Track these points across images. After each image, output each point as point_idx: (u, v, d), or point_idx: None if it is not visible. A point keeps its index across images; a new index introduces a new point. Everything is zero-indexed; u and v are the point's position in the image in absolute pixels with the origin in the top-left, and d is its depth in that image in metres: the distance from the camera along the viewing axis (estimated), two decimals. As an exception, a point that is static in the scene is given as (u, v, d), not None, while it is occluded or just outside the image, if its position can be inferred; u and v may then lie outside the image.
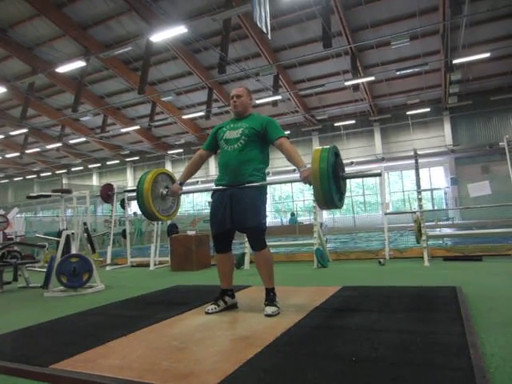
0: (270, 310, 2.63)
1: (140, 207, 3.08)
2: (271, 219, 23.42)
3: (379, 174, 2.93)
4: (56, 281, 4.29)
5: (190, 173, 3.13)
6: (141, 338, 2.27)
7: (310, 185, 2.52)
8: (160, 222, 7.34)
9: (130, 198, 7.51)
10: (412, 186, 20.21)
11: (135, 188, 3.15)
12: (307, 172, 2.54)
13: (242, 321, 2.62)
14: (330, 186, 2.41)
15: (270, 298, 2.73)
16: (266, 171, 2.96)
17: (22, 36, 16.56)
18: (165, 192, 3.13)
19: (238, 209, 2.72)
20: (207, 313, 2.76)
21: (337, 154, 2.61)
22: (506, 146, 5.64)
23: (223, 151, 2.90)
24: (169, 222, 7.72)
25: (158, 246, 7.19)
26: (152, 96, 19.63)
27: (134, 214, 14.04)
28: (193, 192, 12.73)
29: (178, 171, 27.72)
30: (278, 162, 24.19)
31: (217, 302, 2.84)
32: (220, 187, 2.86)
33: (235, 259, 5.94)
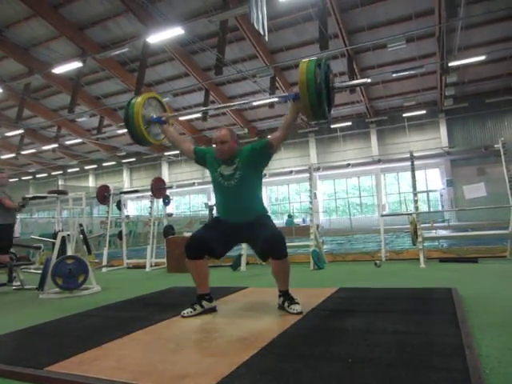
0: (298, 307, 2.67)
1: (130, 131, 3.04)
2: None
3: (367, 83, 2.97)
4: (51, 282, 4.27)
5: (174, 133, 3.21)
6: (136, 340, 2.26)
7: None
8: (156, 224, 7.33)
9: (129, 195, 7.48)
10: (408, 187, 20.26)
11: (125, 117, 3.03)
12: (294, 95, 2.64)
13: (239, 322, 2.62)
14: (318, 96, 2.44)
15: (291, 297, 2.76)
16: (262, 173, 2.99)
17: (18, 36, 16.48)
18: (155, 116, 3.13)
19: (257, 232, 2.78)
20: (183, 316, 2.74)
21: (327, 66, 2.63)
22: (501, 148, 5.67)
23: (219, 185, 2.89)
24: (165, 224, 7.71)
25: (155, 247, 7.17)
26: (148, 97, 19.59)
27: (127, 216, 14.03)
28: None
29: (174, 173, 27.71)
30: (275, 163, 24.24)
31: (193, 305, 2.82)
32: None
33: (232, 261, 5.95)
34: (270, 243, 2.71)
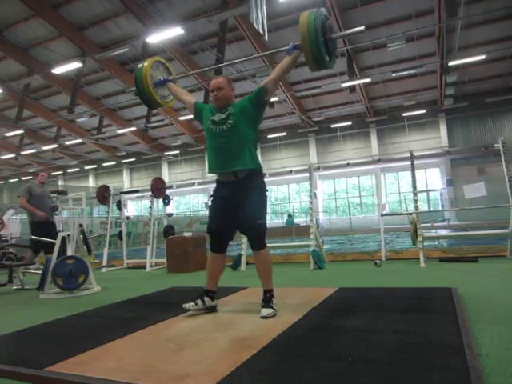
0: (265, 311, 2.62)
1: (140, 94, 3.18)
2: (268, 221, 23.40)
3: (362, 32, 3.08)
4: (51, 283, 4.27)
5: (178, 89, 3.24)
6: (137, 340, 2.26)
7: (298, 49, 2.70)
8: (156, 224, 7.33)
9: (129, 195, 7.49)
10: (408, 187, 20.28)
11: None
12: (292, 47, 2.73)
13: (239, 322, 2.61)
14: (319, 45, 2.53)
15: (267, 299, 2.72)
16: (257, 127, 2.95)
17: (17, 37, 16.49)
18: (162, 78, 3.25)
19: (242, 210, 2.72)
20: (184, 308, 2.75)
21: (326, 17, 2.71)
22: (501, 147, 5.67)
23: (211, 133, 2.82)
24: (165, 224, 7.71)
25: (155, 247, 7.17)
26: (148, 97, 19.60)
27: (127, 217, 14.04)
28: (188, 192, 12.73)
29: (174, 173, 27.70)
30: (274, 163, 24.26)
31: (195, 300, 2.82)
32: (218, 176, 2.87)
33: (232, 261, 5.95)
34: (249, 233, 2.78)
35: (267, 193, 2.92)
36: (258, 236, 2.75)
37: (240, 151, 2.75)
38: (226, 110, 2.79)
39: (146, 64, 3.19)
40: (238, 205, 2.74)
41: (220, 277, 2.96)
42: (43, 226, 5.41)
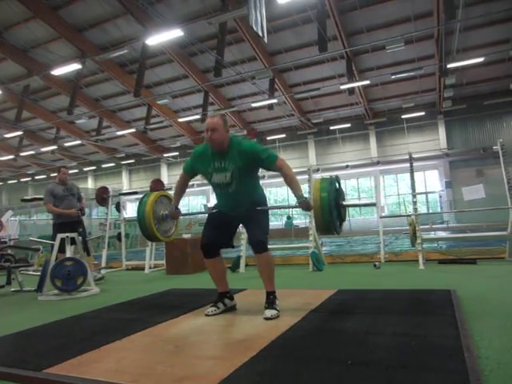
0: (269, 313, 2.62)
1: (142, 230, 3.16)
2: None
3: (374, 204, 3.17)
4: (50, 284, 4.26)
5: (179, 195, 3.14)
6: (135, 342, 2.25)
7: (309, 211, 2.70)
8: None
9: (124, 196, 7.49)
10: (407, 189, 20.31)
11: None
12: (305, 204, 2.64)
13: (238, 324, 2.61)
14: (331, 214, 2.59)
15: (270, 300, 2.73)
16: (261, 174, 3.00)
17: (17, 38, 16.49)
18: (165, 214, 3.24)
19: (248, 226, 2.87)
20: (207, 315, 2.77)
21: (338, 183, 2.73)
22: (500, 149, 5.68)
23: (216, 193, 2.91)
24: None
25: (154, 249, 7.16)
26: (148, 99, 19.62)
27: (125, 219, 14.01)
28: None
29: (173, 174, 27.67)
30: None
31: (216, 304, 2.85)
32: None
33: (231, 262, 5.95)
34: (253, 245, 2.81)
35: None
36: (263, 246, 2.78)
37: (245, 199, 2.81)
38: (224, 158, 2.72)
39: (150, 199, 3.18)
40: (241, 221, 2.91)
41: (226, 276, 2.99)
42: (66, 227, 4.93)
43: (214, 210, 3.00)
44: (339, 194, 2.70)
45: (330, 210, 2.52)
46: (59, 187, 5.29)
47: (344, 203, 2.77)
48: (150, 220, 3.06)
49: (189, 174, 3.02)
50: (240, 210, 2.83)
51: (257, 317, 2.64)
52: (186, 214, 3.66)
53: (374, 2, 14.44)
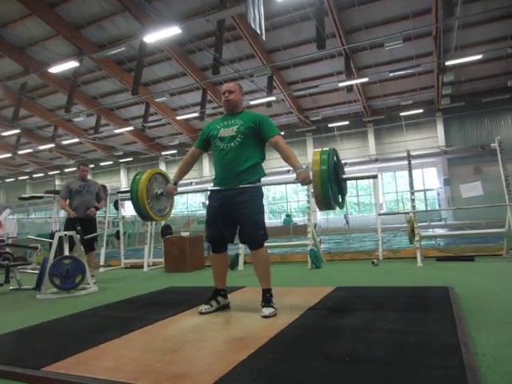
0: (266, 311, 2.62)
1: (134, 207, 3.08)
2: (266, 220, 23.42)
3: (375, 176, 3.01)
4: (49, 283, 4.26)
5: (183, 172, 3.12)
6: (134, 340, 2.26)
7: (308, 184, 2.56)
8: (154, 223, 7.32)
9: (124, 198, 7.48)
10: (405, 186, 20.32)
11: (129, 189, 3.14)
12: (305, 174, 2.60)
13: (236, 322, 2.62)
14: (330, 188, 2.46)
15: (267, 298, 2.73)
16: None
17: (14, 36, 16.42)
18: (159, 192, 3.13)
19: (242, 223, 2.76)
20: (201, 313, 2.76)
21: (336, 156, 2.65)
22: (498, 147, 5.69)
23: (218, 149, 2.85)
24: (163, 223, 7.70)
25: (152, 247, 7.16)
26: (145, 97, 19.57)
27: (123, 218, 14.02)
28: (187, 193, 12.71)
29: (171, 172, 27.33)
30: (273, 162, 24.12)
31: (210, 302, 2.84)
32: (216, 188, 2.86)
33: (229, 260, 5.95)
34: (249, 243, 2.82)
35: (263, 198, 2.94)
36: (260, 242, 2.78)
37: (243, 162, 2.76)
38: (234, 122, 2.81)
39: (144, 176, 3.05)
40: (236, 212, 2.76)
41: (227, 274, 2.99)
42: (75, 223, 4.89)
43: (207, 202, 2.96)
44: (339, 166, 2.65)
45: (329, 183, 2.44)
46: (77, 182, 5.27)
47: (344, 176, 2.71)
48: (144, 198, 2.99)
49: (198, 148, 3.03)
50: (234, 182, 2.74)
51: (255, 314, 2.64)
52: (182, 193, 3.49)
53: (372, -1, 14.43)
